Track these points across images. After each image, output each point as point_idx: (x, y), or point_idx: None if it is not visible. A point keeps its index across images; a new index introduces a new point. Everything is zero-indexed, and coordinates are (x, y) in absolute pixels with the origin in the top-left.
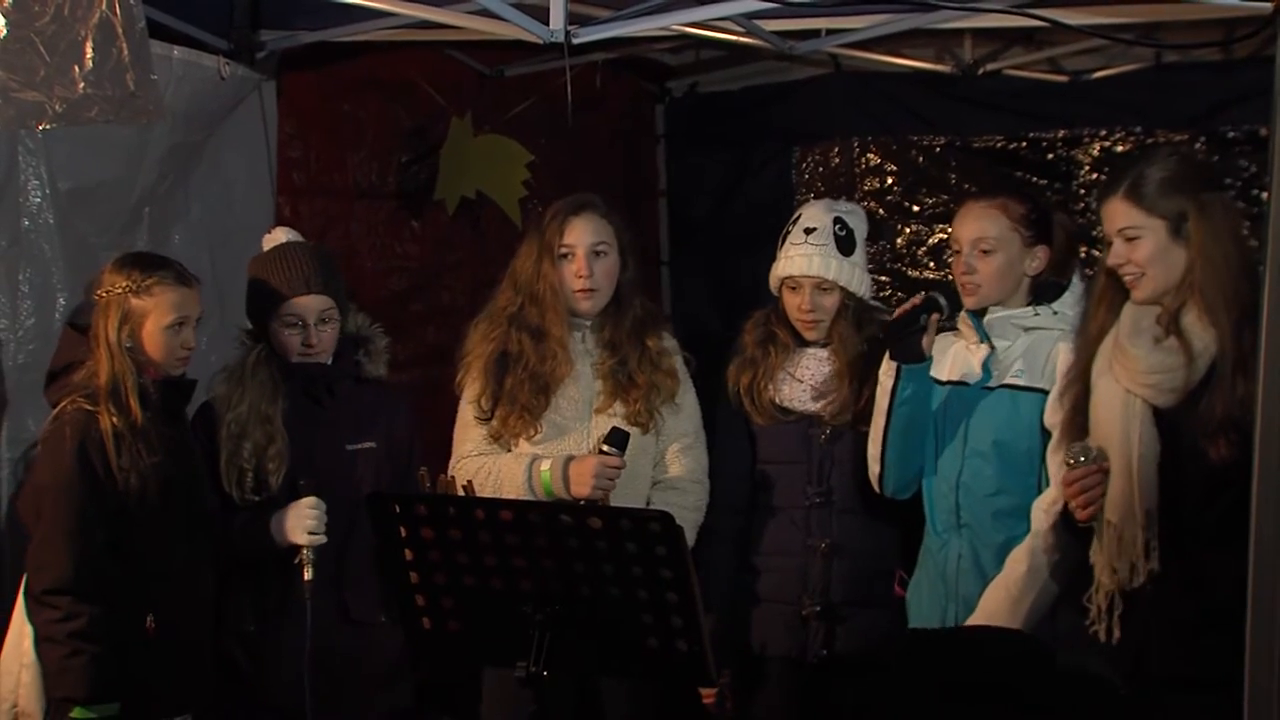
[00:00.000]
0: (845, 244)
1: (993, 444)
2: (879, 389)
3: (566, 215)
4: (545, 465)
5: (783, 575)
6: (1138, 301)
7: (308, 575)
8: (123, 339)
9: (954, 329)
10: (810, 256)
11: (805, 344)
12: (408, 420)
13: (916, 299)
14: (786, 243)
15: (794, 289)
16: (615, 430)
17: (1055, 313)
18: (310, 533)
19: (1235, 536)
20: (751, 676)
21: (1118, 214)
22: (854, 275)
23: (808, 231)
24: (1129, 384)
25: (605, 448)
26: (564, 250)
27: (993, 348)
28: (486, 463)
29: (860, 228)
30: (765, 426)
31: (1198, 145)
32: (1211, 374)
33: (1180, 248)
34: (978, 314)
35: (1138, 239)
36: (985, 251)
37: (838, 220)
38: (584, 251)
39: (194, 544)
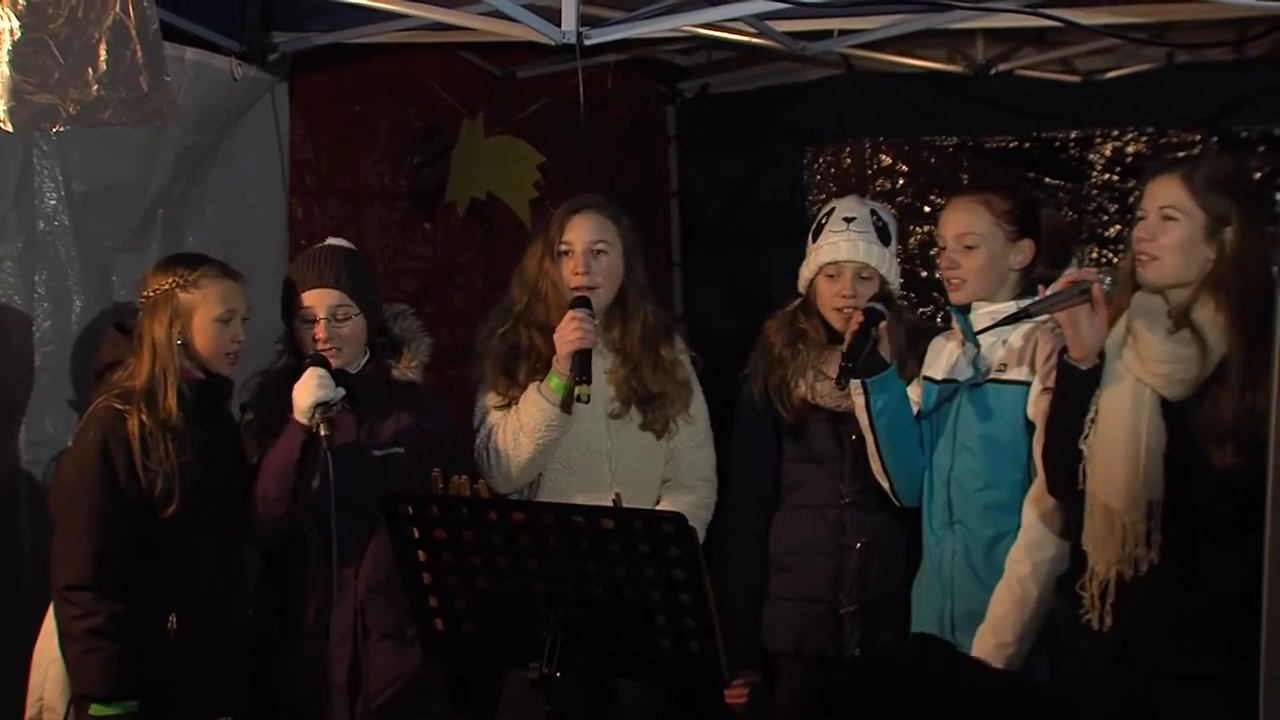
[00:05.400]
0: (883, 234)
1: (979, 438)
2: (857, 410)
3: (567, 214)
4: (543, 379)
5: (815, 574)
6: (1144, 283)
7: (324, 431)
8: (173, 336)
9: (949, 329)
10: (854, 242)
11: (836, 340)
12: (445, 424)
13: (859, 317)
14: (824, 232)
15: (833, 277)
16: (576, 299)
17: None
18: (319, 387)
19: (1239, 536)
20: (781, 675)
21: (1167, 191)
22: (891, 266)
23: (848, 220)
24: (1140, 373)
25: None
26: (564, 247)
27: (978, 345)
28: (504, 421)
29: (891, 223)
30: (794, 424)
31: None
32: (1221, 372)
33: (1207, 247)
34: (964, 312)
35: (1174, 220)
36: (969, 247)
37: (873, 212)
38: (582, 249)
39: (227, 547)
